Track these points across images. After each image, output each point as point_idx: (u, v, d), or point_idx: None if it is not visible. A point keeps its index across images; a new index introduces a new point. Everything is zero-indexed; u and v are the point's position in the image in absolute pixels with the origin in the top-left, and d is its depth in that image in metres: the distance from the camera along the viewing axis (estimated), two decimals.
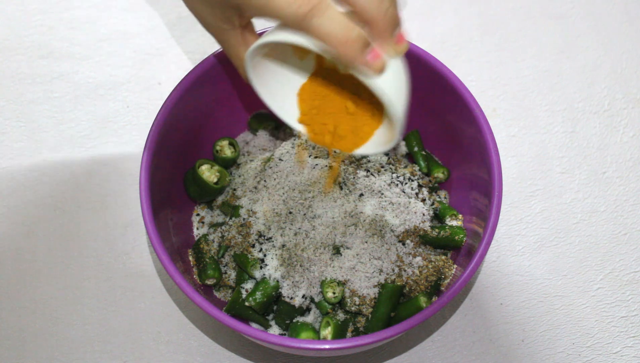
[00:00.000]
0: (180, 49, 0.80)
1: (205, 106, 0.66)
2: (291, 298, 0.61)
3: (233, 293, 0.62)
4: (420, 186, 0.66)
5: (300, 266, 0.61)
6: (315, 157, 0.65)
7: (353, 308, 0.61)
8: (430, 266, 0.62)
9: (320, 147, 0.66)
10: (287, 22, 0.47)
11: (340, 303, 0.62)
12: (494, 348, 0.66)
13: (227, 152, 0.68)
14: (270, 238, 0.62)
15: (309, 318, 0.62)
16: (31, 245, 0.70)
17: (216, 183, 0.66)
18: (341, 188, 0.63)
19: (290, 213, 0.61)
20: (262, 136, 0.70)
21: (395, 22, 0.48)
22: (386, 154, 0.68)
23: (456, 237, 0.63)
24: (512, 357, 0.66)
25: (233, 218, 0.63)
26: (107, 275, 0.69)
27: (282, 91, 0.54)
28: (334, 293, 0.61)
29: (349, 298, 0.61)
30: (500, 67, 0.80)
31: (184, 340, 0.67)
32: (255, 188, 0.64)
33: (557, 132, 0.76)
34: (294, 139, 0.67)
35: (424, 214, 0.64)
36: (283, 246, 0.61)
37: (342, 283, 0.61)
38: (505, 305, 0.68)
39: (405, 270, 0.62)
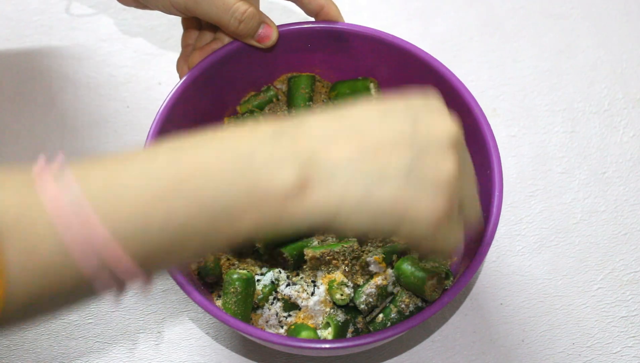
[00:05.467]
0: (181, 49, 0.80)
1: (205, 106, 0.66)
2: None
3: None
4: None
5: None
6: None
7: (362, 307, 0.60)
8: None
9: None
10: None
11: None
12: (494, 348, 0.66)
13: None
14: None
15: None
16: None
17: None
18: None
19: None
20: None
21: (249, 28, 0.60)
22: None
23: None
24: (512, 357, 0.66)
25: None
26: None
27: None
28: (341, 295, 0.60)
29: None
30: (500, 67, 0.80)
31: (184, 340, 0.67)
32: None
33: (557, 132, 0.76)
34: None
35: None
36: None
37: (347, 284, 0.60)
38: (505, 305, 0.68)
39: None
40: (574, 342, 0.67)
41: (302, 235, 0.61)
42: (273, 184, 0.40)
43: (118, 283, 0.39)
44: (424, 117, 0.43)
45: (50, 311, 0.41)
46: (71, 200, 0.37)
